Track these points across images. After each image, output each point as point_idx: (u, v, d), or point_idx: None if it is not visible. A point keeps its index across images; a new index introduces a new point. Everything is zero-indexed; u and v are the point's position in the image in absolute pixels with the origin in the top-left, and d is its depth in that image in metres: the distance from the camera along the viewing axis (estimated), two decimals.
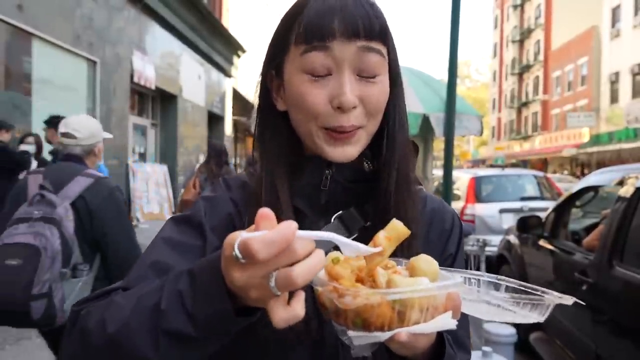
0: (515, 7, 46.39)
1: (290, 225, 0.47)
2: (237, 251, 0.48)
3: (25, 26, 6.73)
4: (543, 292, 0.60)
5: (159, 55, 11.19)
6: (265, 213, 0.49)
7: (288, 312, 0.50)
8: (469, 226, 5.14)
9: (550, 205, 4.89)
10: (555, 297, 0.58)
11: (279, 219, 0.57)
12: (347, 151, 0.73)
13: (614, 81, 27.29)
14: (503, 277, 0.66)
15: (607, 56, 28.15)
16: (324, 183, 0.77)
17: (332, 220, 0.77)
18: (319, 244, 0.51)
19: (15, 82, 6.80)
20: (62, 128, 2.48)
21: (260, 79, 0.82)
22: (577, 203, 4.11)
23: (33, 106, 7.07)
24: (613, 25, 27.42)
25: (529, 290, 0.62)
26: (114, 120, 9.31)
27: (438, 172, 7.90)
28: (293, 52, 0.72)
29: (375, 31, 0.71)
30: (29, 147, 5.86)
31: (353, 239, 0.71)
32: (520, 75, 45.40)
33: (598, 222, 3.86)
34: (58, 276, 2.07)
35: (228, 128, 16.83)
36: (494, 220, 7.14)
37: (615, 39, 27.17)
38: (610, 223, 2.83)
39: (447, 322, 0.55)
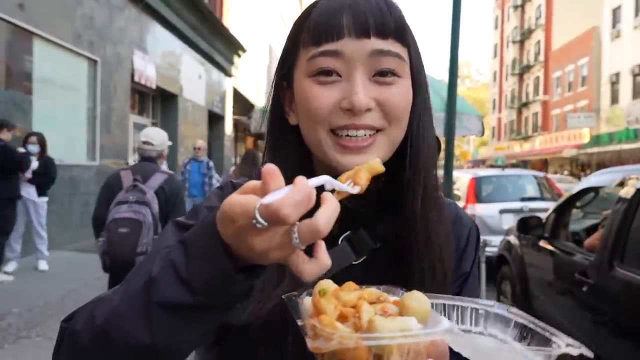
0: (515, 7, 46.39)
1: (303, 180, 0.46)
2: (260, 219, 0.45)
3: (26, 25, 6.73)
4: (552, 334, 0.56)
5: (160, 55, 11.19)
6: (272, 169, 0.47)
7: (315, 264, 0.48)
8: None
9: (551, 205, 4.90)
10: (563, 346, 0.54)
11: None
12: (362, 161, 0.63)
13: (615, 82, 27.29)
14: (513, 310, 0.62)
15: (607, 57, 28.15)
16: None
17: (340, 242, 0.71)
18: None
19: (16, 81, 6.80)
20: (142, 137, 3.59)
21: (272, 90, 0.75)
22: (578, 204, 4.11)
23: (34, 105, 7.07)
24: (614, 26, 27.42)
25: (539, 330, 0.58)
26: (114, 120, 9.31)
27: (438, 172, 7.89)
28: (302, 56, 0.67)
29: (390, 28, 0.64)
30: (33, 147, 5.89)
31: (362, 261, 0.70)
32: (521, 76, 45.39)
33: (598, 223, 3.86)
34: (151, 240, 3.01)
35: (228, 127, 16.82)
36: (494, 220, 7.13)
37: (615, 40, 27.16)
38: (611, 224, 2.83)
39: None
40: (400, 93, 0.66)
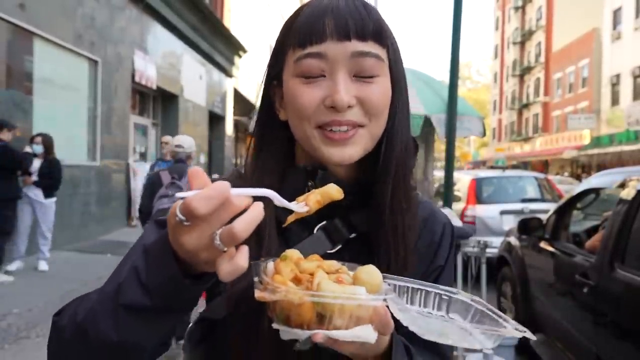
0: (516, 8, 46.39)
1: (223, 182, 0.49)
2: (179, 215, 0.50)
3: (27, 25, 6.73)
4: (505, 320, 0.60)
5: (161, 55, 11.20)
6: (195, 171, 0.51)
7: (232, 265, 0.52)
8: (469, 227, 5.14)
9: (551, 207, 4.89)
10: (511, 329, 0.58)
11: (264, 228, 0.64)
12: (346, 152, 0.70)
13: (615, 83, 27.28)
14: (476, 299, 0.65)
15: (608, 58, 28.15)
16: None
17: (315, 231, 0.75)
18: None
19: (16, 81, 6.80)
20: (175, 142, 4.46)
21: (262, 87, 0.80)
22: (578, 205, 4.10)
23: (34, 105, 7.07)
24: (614, 28, 27.41)
25: (494, 316, 0.61)
26: (115, 120, 9.31)
27: (439, 173, 7.90)
28: (289, 57, 0.72)
29: (368, 31, 0.69)
30: (37, 147, 5.89)
31: (337, 250, 0.74)
32: (521, 77, 45.38)
33: (599, 224, 3.86)
34: None
35: (229, 128, 16.83)
36: (495, 221, 7.13)
37: (616, 41, 27.16)
38: (612, 225, 2.83)
39: (366, 333, 0.55)
40: (379, 91, 0.71)
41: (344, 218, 0.76)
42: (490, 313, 0.63)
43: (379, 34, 0.71)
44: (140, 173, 10.33)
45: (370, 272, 0.58)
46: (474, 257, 4.04)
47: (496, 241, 5.37)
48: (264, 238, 0.72)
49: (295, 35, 0.71)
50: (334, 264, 0.61)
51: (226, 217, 0.50)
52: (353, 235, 0.76)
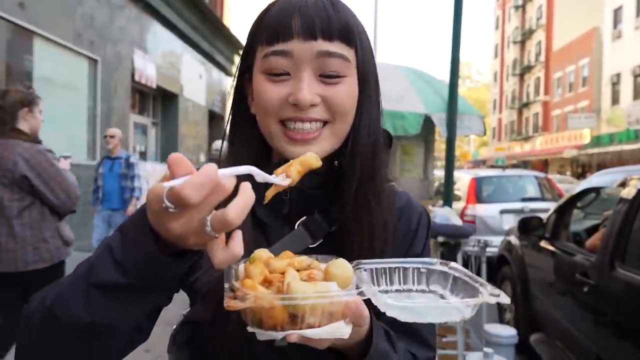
0: (516, 7, 46.36)
1: (211, 165, 0.48)
2: (167, 202, 0.47)
3: (26, 24, 6.72)
4: (481, 284, 0.61)
5: (160, 54, 11.19)
6: (176, 157, 0.49)
7: (227, 252, 0.51)
8: (469, 227, 5.13)
9: (551, 206, 4.89)
10: (486, 295, 0.59)
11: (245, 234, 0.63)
12: (311, 150, 0.69)
13: (615, 82, 27.27)
14: (453, 265, 0.67)
15: (608, 57, 28.13)
16: (284, 192, 0.71)
17: (296, 226, 0.76)
18: None
19: (16, 80, 6.79)
20: (214, 146, 4.73)
21: (234, 81, 0.81)
22: (579, 204, 4.10)
23: None
24: (614, 27, 27.40)
25: (471, 281, 0.63)
26: (114, 119, 9.30)
27: (439, 173, 7.90)
28: (258, 53, 0.73)
29: (335, 31, 0.69)
30: None
31: (319, 245, 0.74)
32: (521, 76, 45.36)
33: (599, 223, 3.85)
34: None
35: (229, 128, 16.82)
36: (495, 221, 7.12)
37: (616, 40, 27.14)
38: (612, 224, 2.82)
39: (339, 330, 0.55)
40: (344, 91, 0.71)
41: (324, 212, 0.76)
42: (468, 279, 0.64)
43: (346, 33, 0.70)
44: (140, 172, 10.32)
45: (341, 265, 0.59)
46: (474, 256, 4.04)
47: (496, 240, 5.37)
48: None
49: (263, 32, 0.71)
50: (304, 259, 0.61)
51: (216, 202, 0.48)
52: (334, 228, 0.76)
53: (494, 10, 56.29)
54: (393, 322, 0.65)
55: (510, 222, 6.77)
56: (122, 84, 9.50)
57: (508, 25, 50.13)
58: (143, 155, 11.49)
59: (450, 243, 3.89)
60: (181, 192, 0.46)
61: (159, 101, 12.31)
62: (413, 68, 5.32)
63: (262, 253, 0.60)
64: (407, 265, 0.68)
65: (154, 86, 10.84)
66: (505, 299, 0.59)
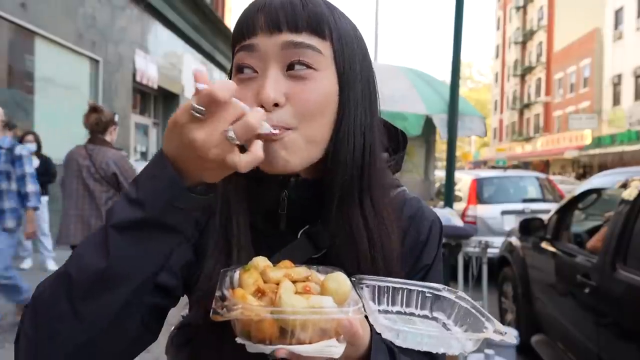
0: (517, 8, 46.34)
1: (228, 80, 0.51)
2: (196, 106, 0.50)
3: (28, 25, 6.74)
4: (487, 319, 0.59)
5: (162, 55, 11.20)
6: (199, 72, 0.52)
7: (249, 155, 0.53)
8: (470, 227, 5.12)
9: (552, 207, 4.88)
10: (491, 332, 0.57)
11: (242, 241, 0.68)
12: (284, 157, 0.64)
13: (617, 83, 27.24)
14: (460, 294, 0.64)
15: (609, 58, 28.11)
16: (281, 207, 0.70)
17: (299, 236, 0.72)
18: None
19: (17, 80, 6.81)
20: None
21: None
22: (580, 205, 4.09)
23: (35, 104, 7.08)
24: (616, 28, 27.38)
25: (478, 314, 0.60)
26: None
27: (440, 173, 7.89)
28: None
29: (302, 22, 0.64)
30: (31, 146, 5.88)
31: (320, 255, 0.71)
32: (523, 77, 45.34)
33: (601, 224, 3.85)
34: None
35: None
36: (496, 221, 7.12)
37: (617, 41, 27.12)
38: (613, 226, 2.82)
39: (329, 349, 0.53)
40: (314, 88, 0.64)
41: (325, 223, 0.71)
42: (474, 311, 0.61)
43: (316, 24, 0.65)
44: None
45: (338, 280, 0.56)
46: (475, 257, 4.03)
47: (497, 241, 5.36)
48: (234, 247, 0.69)
49: (234, 32, 0.69)
50: (303, 270, 0.59)
51: (234, 116, 0.52)
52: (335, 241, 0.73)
53: (495, 11, 56.27)
54: None
55: (511, 223, 6.76)
56: (123, 84, 9.51)
57: (509, 26, 50.11)
58: (144, 156, 11.50)
59: (451, 244, 3.88)
60: (213, 90, 0.50)
61: (160, 101, 12.32)
62: (414, 69, 5.33)
63: (260, 261, 0.58)
64: (412, 288, 0.65)
65: (155, 86, 10.85)
66: (510, 339, 0.56)
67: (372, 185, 0.70)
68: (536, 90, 41.95)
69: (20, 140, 5.89)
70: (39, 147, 6.02)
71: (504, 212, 7.18)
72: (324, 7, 0.67)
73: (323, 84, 0.65)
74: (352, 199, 0.69)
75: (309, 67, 0.64)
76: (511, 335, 0.57)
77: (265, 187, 0.71)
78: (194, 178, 0.55)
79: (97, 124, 3.74)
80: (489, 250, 3.91)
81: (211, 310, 0.51)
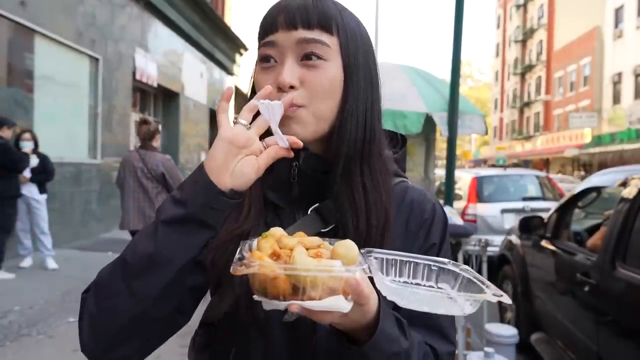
0: (517, 7, 46.28)
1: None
2: (244, 120, 0.72)
3: (27, 23, 6.73)
4: (487, 286, 0.63)
5: (162, 53, 11.19)
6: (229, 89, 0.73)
7: (275, 138, 0.71)
8: (470, 226, 5.12)
9: (552, 205, 4.89)
10: (489, 295, 0.61)
11: (252, 211, 0.80)
12: (296, 130, 0.76)
13: (617, 82, 27.23)
14: (464, 267, 0.69)
15: (609, 57, 28.09)
16: (292, 175, 0.81)
17: (309, 212, 0.81)
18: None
19: (17, 78, 6.80)
20: None
21: (252, 77, 0.87)
22: (580, 204, 4.10)
23: (35, 103, 7.07)
24: (616, 26, 27.35)
25: (477, 282, 0.65)
26: (116, 118, 9.31)
27: (440, 172, 7.90)
28: (259, 47, 0.82)
29: (313, 21, 0.77)
30: (27, 144, 5.87)
31: (330, 230, 0.80)
32: (523, 75, 45.30)
33: (600, 223, 3.85)
34: None
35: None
36: (496, 220, 7.12)
37: (618, 40, 27.10)
38: (613, 224, 2.82)
39: (338, 303, 0.58)
40: (323, 74, 0.77)
41: (335, 199, 0.80)
42: (476, 280, 0.65)
43: (326, 22, 0.78)
44: None
45: (347, 245, 0.62)
46: (475, 255, 4.04)
47: (497, 240, 5.37)
48: (249, 207, 0.81)
49: (259, 30, 0.82)
50: (315, 240, 0.64)
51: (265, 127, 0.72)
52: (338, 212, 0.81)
53: (495, 10, 56.19)
54: (414, 316, 0.70)
55: (511, 221, 6.77)
56: (123, 82, 9.51)
57: (509, 25, 50.05)
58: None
59: (451, 242, 3.88)
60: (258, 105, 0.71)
61: (160, 100, 12.31)
62: (414, 67, 5.32)
63: (277, 230, 0.65)
64: (418, 261, 0.70)
65: (155, 85, 10.84)
66: (507, 300, 0.60)
67: (371, 158, 0.80)
68: (536, 88, 41.92)
69: (18, 138, 5.88)
70: (36, 145, 5.97)
71: (504, 211, 7.19)
72: (332, 8, 0.80)
73: (331, 71, 0.77)
74: (354, 171, 0.79)
75: (319, 57, 0.77)
76: (507, 297, 0.60)
77: (278, 160, 0.78)
78: (225, 185, 0.68)
79: (147, 133, 4.62)
80: (489, 248, 3.91)
81: (231, 267, 0.58)
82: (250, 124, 0.71)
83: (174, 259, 0.68)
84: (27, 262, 6.12)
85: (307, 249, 0.62)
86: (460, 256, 3.86)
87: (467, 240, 3.95)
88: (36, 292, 5.24)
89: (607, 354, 2.68)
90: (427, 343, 0.77)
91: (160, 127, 5.20)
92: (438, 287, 0.68)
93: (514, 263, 4.54)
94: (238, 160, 0.69)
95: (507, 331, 3.18)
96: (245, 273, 0.57)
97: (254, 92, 0.85)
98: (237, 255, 0.60)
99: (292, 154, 0.72)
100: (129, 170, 4.61)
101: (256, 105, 0.71)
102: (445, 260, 0.70)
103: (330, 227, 0.80)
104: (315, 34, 0.77)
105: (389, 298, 0.61)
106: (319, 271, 0.57)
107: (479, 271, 3.94)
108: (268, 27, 0.80)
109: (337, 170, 0.78)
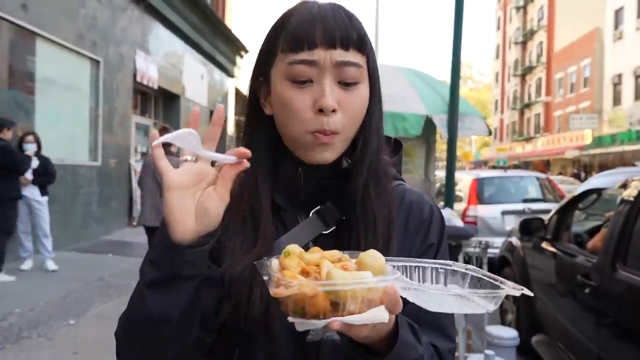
0: (517, 8, 46.31)
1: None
2: (188, 157, 0.70)
3: (29, 26, 6.74)
4: (501, 282, 0.63)
5: (162, 55, 11.21)
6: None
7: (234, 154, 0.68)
8: (470, 228, 5.12)
9: (553, 207, 4.88)
10: (509, 289, 0.62)
11: (260, 214, 0.80)
12: (325, 156, 0.78)
13: (617, 83, 27.23)
14: (470, 267, 0.69)
15: (609, 58, 28.10)
16: (299, 180, 0.82)
17: (311, 214, 0.82)
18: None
19: (18, 81, 6.81)
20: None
21: (250, 84, 0.87)
22: (580, 205, 4.10)
23: (36, 105, 7.08)
24: (616, 27, 27.36)
25: (490, 280, 0.65)
26: (116, 120, 9.32)
27: (440, 173, 7.90)
28: (280, 59, 0.78)
29: (352, 40, 0.76)
30: (30, 146, 5.88)
31: (330, 232, 0.82)
32: (523, 77, 45.30)
33: (601, 224, 3.85)
34: None
35: (230, 128, 16.82)
36: (496, 222, 7.12)
37: (618, 41, 27.11)
38: (614, 226, 2.82)
39: (379, 315, 0.58)
40: (359, 96, 0.78)
41: (336, 202, 0.82)
42: (486, 278, 0.65)
43: (361, 43, 0.78)
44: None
45: (374, 255, 0.61)
46: (475, 257, 4.03)
47: (498, 241, 5.36)
48: (260, 222, 0.80)
49: (288, 40, 0.77)
50: (335, 253, 0.64)
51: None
52: (344, 217, 0.83)
53: (495, 11, 56.25)
54: (415, 315, 0.72)
55: (511, 223, 6.76)
56: (124, 84, 9.52)
57: (509, 26, 50.08)
58: (145, 156, 11.51)
59: (451, 244, 3.88)
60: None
61: (161, 102, 12.32)
62: (414, 69, 5.33)
63: (295, 248, 0.64)
64: (425, 265, 0.71)
65: (156, 87, 10.85)
66: (528, 292, 0.60)
67: (380, 173, 0.83)
68: (536, 90, 41.92)
69: (21, 140, 5.89)
70: (39, 147, 5.99)
71: (504, 212, 7.18)
72: (361, 24, 0.80)
73: (364, 93, 0.79)
74: (371, 182, 0.82)
75: (355, 81, 0.77)
76: (528, 290, 0.61)
77: (285, 164, 0.84)
78: (191, 234, 0.66)
79: None
80: (489, 250, 3.91)
81: (270, 290, 0.57)
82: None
83: (169, 316, 0.69)
84: (27, 265, 6.13)
85: (331, 262, 0.61)
86: (460, 258, 3.86)
87: (467, 242, 3.94)
88: (36, 294, 5.24)
89: (607, 355, 2.68)
90: (430, 342, 0.78)
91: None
92: (447, 289, 0.69)
93: (514, 265, 4.54)
94: (196, 200, 0.66)
95: (508, 333, 3.17)
96: (288, 294, 0.56)
97: (255, 101, 0.86)
98: (265, 277, 0.59)
99: (246, 164, 0.67)
100: (149, 172, 5.22)
101: (191, 132, 0.67)
102: (449, 262, 0.72)
103: (332, 229, 0.82)
104: (352, 56, 0.76)
105: (416, 302, 0.62)
106: (358, 284, 0.56)
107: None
108: (304, 41, 0.75)
109: (359, 186, 0.80)
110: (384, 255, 0.72)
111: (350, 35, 0.76)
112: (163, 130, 4.94)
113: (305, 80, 0.76)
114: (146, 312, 0.68)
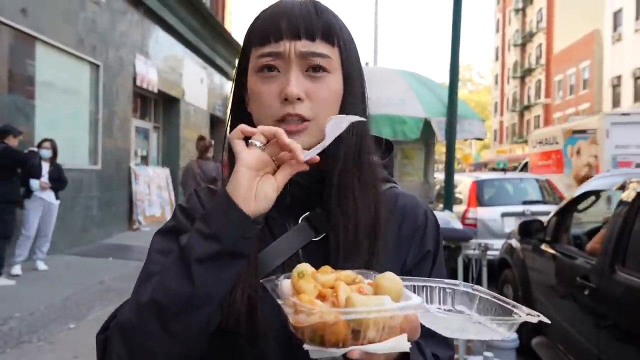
0: (517, 11, 46.41)
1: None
2: (257, 142, 0.67)
3: (29, 30, 6.76)
4: (514, 306, 0.61)
5: (162, 59, 11.23)
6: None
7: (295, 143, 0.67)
8: (470, 230, 5.13)
9: (552, 209, 4.89)
10: (524, 316, 0.59)
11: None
12: (301, 141, 0.74)
13: (616, 85, 27.26)
14: (477, 287, 0.68)
15: (608, 60, 28.14)
16: (284, 186, 0.79)
17: (300, 221, 0.81)
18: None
19: (18, 85, 6.83)
20: None
21: (233, 84, 0.87)
22: (579, 207, 4.10)
23: (36, 109, 7.10)
24: (615, 29, 27.41)
25: (501, 303, 0.63)
26: (116, 123, 9.34)
27: (440, 176, 7.90)
28: (252, 54, 0.79)
29: (317, 32, 0.77)
30: (46, 152, 6.04)
31: (321, 239, 0.79)
32: (522, 79, 45.36)
33: (600, 226, 3.85)
34: None
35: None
36: (496, 224, 7.12)
37: (617, 43, 27.15)
38: (612, 227, 2.83)
39: (401, 343, 0.55)
40: (328, 85, 0.77)
41: (325, 207, 0.80)
42: (496, 300, 0.64)
43: (328, 34, 0.77)
44: (141, 176, 10.34)
45: (392, 278, 0.59)
46: (475, 259, 4.04)
47: (497, 243, 5.36)
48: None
49: (256, 35, 0.79)
50: (349, 274, 0.61)
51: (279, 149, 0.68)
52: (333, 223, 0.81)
53: (495, 14, 56.36)
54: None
55: (511, 225, 6.76)
56: (123, 88, 9.53)
57: (509, 28, 50.17)
58: (144, 160, 11.52)
59: (451, 247, 3.89)
60: (277, 131, 0.68)
61: (161, 105, 12.34)
62: (413, 72, 5.33)
63: (307, 267, 0.61)
64: (432, 285, 0.70)
65: (156, 90, 10.87)
66: (545, 319, 0.58)
67: (361, 166, 0.81)
68: (536, 92, 41.97)
69: (39, 146, 6.09)
70: (55, 154, 6.22)
71: (504, 215, 7.18)
72: (333, 19, 0.79)
73: (333, 83, 0.78)
74: (347, 183, 0.79)
75: (324, 70, 0.77)
76: (545, 317, 0.59)
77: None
78: (254, 211, 0.67)
79: (203, 147, 5.93)
80: (489, 252, 3.91)
81: (289, 318, 0.55)
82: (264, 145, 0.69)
83: (213, 296, 0.68)
84: (19, 269, 6.00)
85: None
86: (460, 260, 3.86)
87: (467, 245, 3.95)
88: (37, 298, 5.24)
89: (607, 356, 2.68)
90: (431, 352, 0.78)
91: (213, 142, 6.36)
92: (457, 310, 0.68)
93: (514, 267, 4.54)
94: (257, 183, 0.68)
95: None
96: (309, 324, 0.53)
97: (240, 101, 0.85)
98: (280, 301, 0.57)
99: (307, 168, 0.69)
100: (190, 175, 5.88)
101: (270, 129, 0.68)
102: (456, 282, 0.70)
103: (322, 236, 0.79)
104: (319, 46, 0.76)
105: (432, 328, 0.60)
106: (381, 311, 0.53)
107: (479, 275, 3.94)
108: (270, 34, 0.77)
109: (333, 181, 0.78)
110: (369, 256, 0.73)
111: (315, 26, 0.76)
112: (200, 139, 5.94)
113: (272, 72, 0.77)
114: (190, 290, 0.65)
